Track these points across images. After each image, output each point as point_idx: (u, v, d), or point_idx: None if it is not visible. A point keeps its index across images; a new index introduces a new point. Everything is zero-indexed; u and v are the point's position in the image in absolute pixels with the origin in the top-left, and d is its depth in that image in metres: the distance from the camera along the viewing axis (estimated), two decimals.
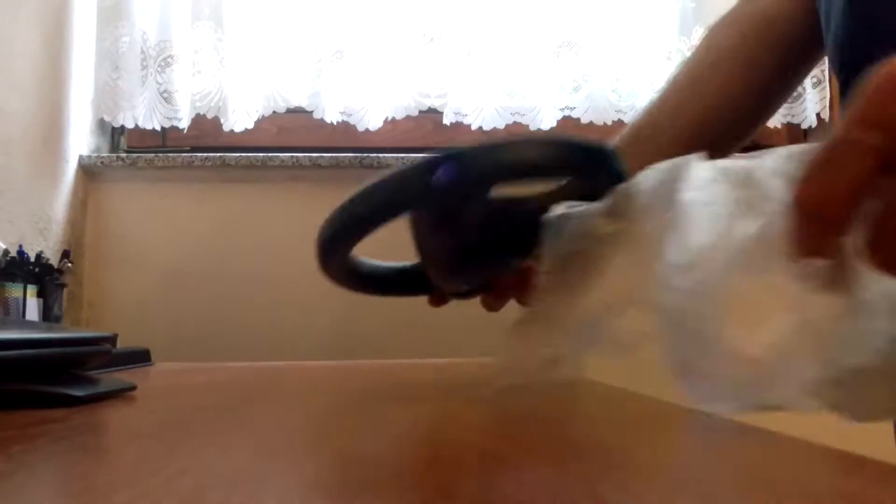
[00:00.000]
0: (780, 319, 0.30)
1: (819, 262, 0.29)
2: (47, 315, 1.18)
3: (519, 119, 1.54)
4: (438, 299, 0.58)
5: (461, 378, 0.69)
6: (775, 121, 1.52)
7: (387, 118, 1.53)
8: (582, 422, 0.44)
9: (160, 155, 1.54)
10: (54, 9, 1.44)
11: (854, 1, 0.55)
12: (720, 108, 0.68)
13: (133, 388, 0.52)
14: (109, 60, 1.53)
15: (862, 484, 0.26)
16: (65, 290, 1.26)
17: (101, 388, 0.48)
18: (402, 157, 1.49)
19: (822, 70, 1.53)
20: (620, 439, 0.38)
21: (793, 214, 0.29)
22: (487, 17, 1.54)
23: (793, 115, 1.53)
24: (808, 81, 1.53)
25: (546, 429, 0.41)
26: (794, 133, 1.58)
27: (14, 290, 1.11)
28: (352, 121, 1.53)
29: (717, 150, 0.74)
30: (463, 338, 1.18)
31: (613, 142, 0.68)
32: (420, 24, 1.55)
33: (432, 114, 1.56)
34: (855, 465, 0.28)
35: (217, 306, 1.50)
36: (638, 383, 0.54)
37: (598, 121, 1.55)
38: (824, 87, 1.53)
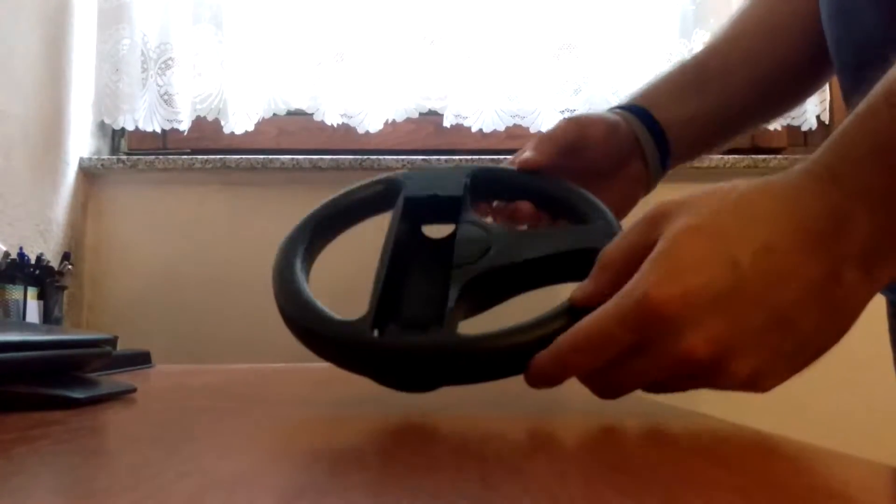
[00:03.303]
0: None
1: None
2: (48, 317, 1.18)
3: (519, 121, 1.54)
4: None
5: None
6: (775, 123, 1.52)
7: (387, 120, 1.53)
8: (581, 425, 0.44)
9: (160, 157, 1.54)
10: (55, 11, 1.45)
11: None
12: (796, 63, 0.68)
13: (133, 390, 0.52)
14: (110, 63, 1.54)
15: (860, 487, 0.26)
16: (65, 292, 1.26)
17: (102, 391, 0.48)
18: (403, 160, 1.49)
19: None
20: (620, 441, 0.38)
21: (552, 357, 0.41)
22: (487, 19, 1.54)
23: (793, 118, 1.53)
24: None
25: (545, 431, 0.41)
26: (795, 135, 1.58)
27: (14, 293, 1.11)
28: (352, 123, 1.53)
29: (780, 105, 0.74)
30: None
31: (666, 74, 0.69)
32: (420, 27, 1.55)
33: (432, 116, 1.56)
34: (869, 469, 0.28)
35: (217, 308, 1.50)
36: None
37: None
38: (824, 90, 1.53)
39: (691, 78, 0.69)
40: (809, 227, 0.38)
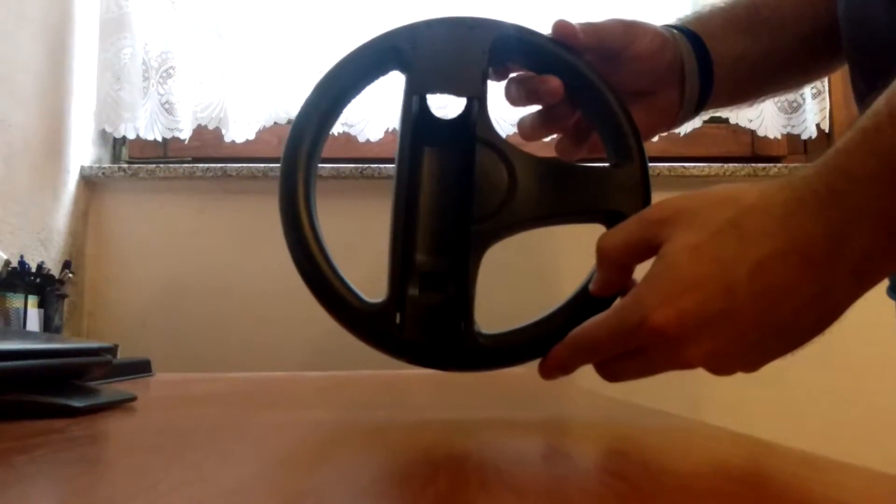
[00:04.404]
0: None
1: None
2: (48, 325, 1.18)
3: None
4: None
5: (459, 388, 0.69)
6: (775, 131, 1.53)
7: (387, 129, 1.53)
8: (581, 433, 0.44)
9: (161, 166, 1.54)
10: (56, 20, 1.45)
11: None
12: (833, 32, 0.63)
13: (133, 398, 0.52)
14: (111, 72, 1.54)
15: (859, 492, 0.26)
16: (66, 300, 1.26)
17: (102, 399, 0.48)
18: None
19: (821, 81, 1.53)
20: (619, 448, 0.38)
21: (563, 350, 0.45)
22: None
23: (792, 126, 1.53)
24: (808, 92, 1.54)
25: (545, 437, 0.41)
26: (794, 143, 1.58)
27: (15, 301, 1.11)
28: (352, 132, 1.53)
29: (812, 70, 0.69)
30: None
31: (717, 6, 0.64)
32: None
33: None
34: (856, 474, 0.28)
35: (218, 317, 1.50)
36: (630, 393, 0.54)
37: None
38: (824, 98, 1.53)
39: (743, 16, 0.64)
40: (807, 249, 0.39)
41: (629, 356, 0.43)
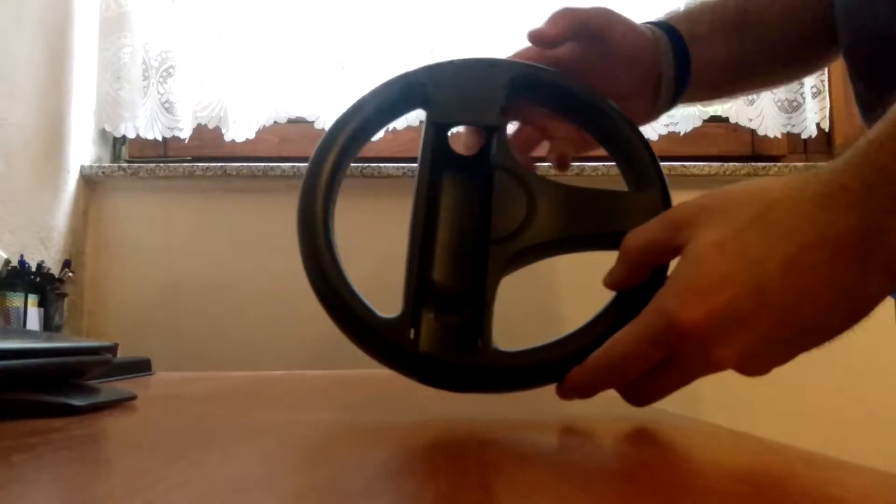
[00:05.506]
0: None
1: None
2: (48, 324, 1.18)
3: None
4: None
5: None
6: (775, 130, 1.53)
7: (387, 128, 1.53)
8: (583, 432, 0.44)
9: (161, 165, 1.54)
10: (56, 19, 1.45)
11: None
12: (818, 32, 0.64)
13: (133, 397, 0.52)
14: (111, 71, 1.54)
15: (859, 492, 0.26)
16: (66, 299, 1.26)
17: (102, 398, 0.48)
18: (404, 167, 1.49)
19: (821, 80, 1.53)
20: (622, 448, 0.38)
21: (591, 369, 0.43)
22: (487, 26, 1.54)
23: (793, 126, 1.53)
24: (808, 92, 1.54)
25: (546, 437, 0.41)
26: (794, 143, 1.58)
27: (15, 300, 1.11)
28: None
29: (796, 70, 0.69)
30: None
31: (706, 4, 0.63)
32: (420, 35, 1.55)
33: None
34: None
35: (218, 315, 1.50)
36: None
37: None
38: (824, 98, 1.53)
39: (731, 18, 0.63)
40: (838, 244, 0.37)
41: (655, 372, 0.41)
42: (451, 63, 0.50)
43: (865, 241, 0.37)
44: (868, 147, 0.38)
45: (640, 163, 0.49)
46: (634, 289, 0.44)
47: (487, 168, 0.49)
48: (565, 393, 0.44)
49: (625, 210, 0.47)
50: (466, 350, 0.45)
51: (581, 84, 0.52)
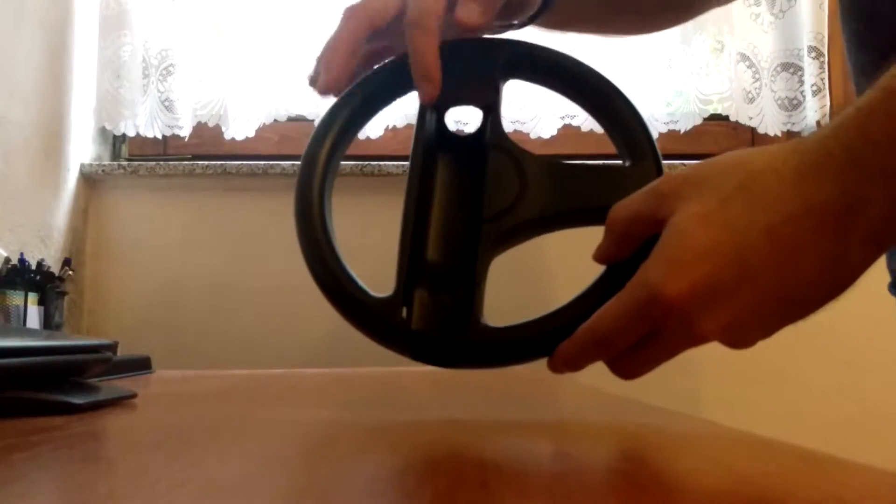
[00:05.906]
0: None
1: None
2: (48, 323, 1.18)
3: (519, 127, 1.54)
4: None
5: (458, 386, 0.69)
6: (775, 129, 1.52)
7: (387, 126, 1.53)
8: (583, 430, 0.44)
9: (161, 163, 1.54)
10: (56, 18, 1.45)
11: None
12: None
13: (133, 395, 0.52)
14: (111, 69, 1.54)
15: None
16: (66, 297, 1.26)
17: (102, 396, 0.48)
18: (404, 165, 1.49)
19: (821, 78, 1.53)
20: (621, 447, 0.38)
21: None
22: None
23: (793, 124, 1.53)
24: (808, 90, 1.54)
25: (546, 436, 0.41)
26: None
27: (15, 298, 1.11)
28: None
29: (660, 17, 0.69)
30: None
31: None
32: None
33: None
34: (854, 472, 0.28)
35: (217, 314, 1.50)
36: (630, 390, 0.54)
37: (599, 129, 1.55)
38: (824, 95, 1.53)
39: None
40: (822, 212, 0.37)
41: (642, 345, 0.41)
42: (443, 44, 0.49)
43: (850, 210, 0.37)
44: (857, 114, 0.38)
45: (633, 135, 0.49)
46: (624, 262, 0.44)
47: (482, 148, 0.49)
48: (556, 366, 0.44)
49: (618, 184, 0.47)
50: (458, 327, 0.45)
51: (574, 59, 0.53)
